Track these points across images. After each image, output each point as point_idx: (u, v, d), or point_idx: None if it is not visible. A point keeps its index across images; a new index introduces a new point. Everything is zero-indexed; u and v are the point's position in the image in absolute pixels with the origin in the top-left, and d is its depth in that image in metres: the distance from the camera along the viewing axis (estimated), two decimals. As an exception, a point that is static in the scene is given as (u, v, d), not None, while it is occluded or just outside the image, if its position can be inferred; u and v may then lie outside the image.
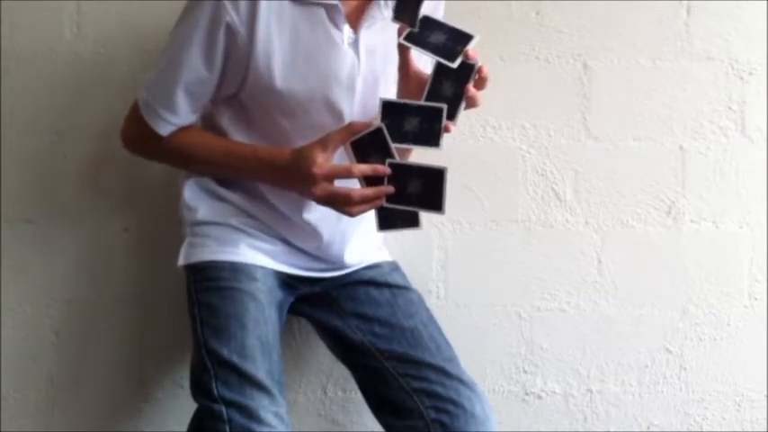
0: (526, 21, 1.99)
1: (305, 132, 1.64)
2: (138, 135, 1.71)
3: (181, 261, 1.72)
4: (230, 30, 1.59)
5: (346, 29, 1.63)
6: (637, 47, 1.99)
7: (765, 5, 1.99)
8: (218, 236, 1.70)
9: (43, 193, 1.99)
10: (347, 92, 1.63)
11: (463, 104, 1.54)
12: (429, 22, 1.54)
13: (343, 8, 1.62)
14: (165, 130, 1.67)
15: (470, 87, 1.53)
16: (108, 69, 1.98)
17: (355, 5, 1.64)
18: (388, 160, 1.55)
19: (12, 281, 1.99)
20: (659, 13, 1.99)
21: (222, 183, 1.72)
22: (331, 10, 1.61)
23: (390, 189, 1.55)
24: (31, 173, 1.98)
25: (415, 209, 1.58)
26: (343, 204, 1.57)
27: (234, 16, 1.59)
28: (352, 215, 1.59)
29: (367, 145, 1.55)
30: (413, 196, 1.56)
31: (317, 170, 1.56)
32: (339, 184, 1.59)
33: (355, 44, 1.64)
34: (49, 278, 1.99)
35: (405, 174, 1.55)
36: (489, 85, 1.93)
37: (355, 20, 1.64)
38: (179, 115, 1.66)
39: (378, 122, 1.54)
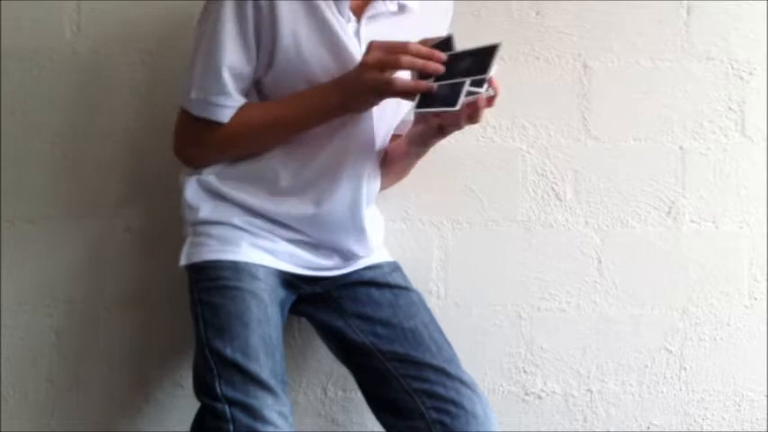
0: (526, 21, 2.00)
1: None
2: (195, 140, 1.71)
3: (182, 261, 1.72)
4: (257, 6, 1.62)
5: (351, 18, 1.67)
6: (637, 47, 1.99)
7: (765, 5, 1.99)
8: (220, 235, 1.70)
9: (43, 193, 1.98)
10: None
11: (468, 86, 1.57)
12: (452, 56, 1.58)
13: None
14: (224, 115, 1.67)
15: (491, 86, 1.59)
16: (108, 69, 1.98)
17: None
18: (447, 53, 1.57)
19: (12, 281, 1.99)
20: (659, 13, 1.99)
21: (224, 181, 1.72)
22: (338, 1, 1.65)
23: (440, 68, 1.56)
24: (31, 173, 1.98)
25: (463, 79, 1.57)
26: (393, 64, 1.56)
27: None
28: (394, 85, 1.57)
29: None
30: (461, 71, 1.57)
31: (366, 58, 1.58)
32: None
33: (357, 34, 1.67)
34: (49, 278, 1.99)
35: (457, 58, 1.57)
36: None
37: (359, 12, 1.68)
38: (231, 95, 1.66)
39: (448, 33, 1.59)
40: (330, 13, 1.65)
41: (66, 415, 2.00)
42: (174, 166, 1.82)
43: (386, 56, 1.56)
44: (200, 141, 1.71)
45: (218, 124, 1.67)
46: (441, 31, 1.71)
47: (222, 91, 1.66)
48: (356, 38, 1.67)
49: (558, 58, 2.00)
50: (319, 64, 1.65)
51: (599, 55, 2.00)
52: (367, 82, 1.57)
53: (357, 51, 1.66)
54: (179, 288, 1.75)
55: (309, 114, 1.67)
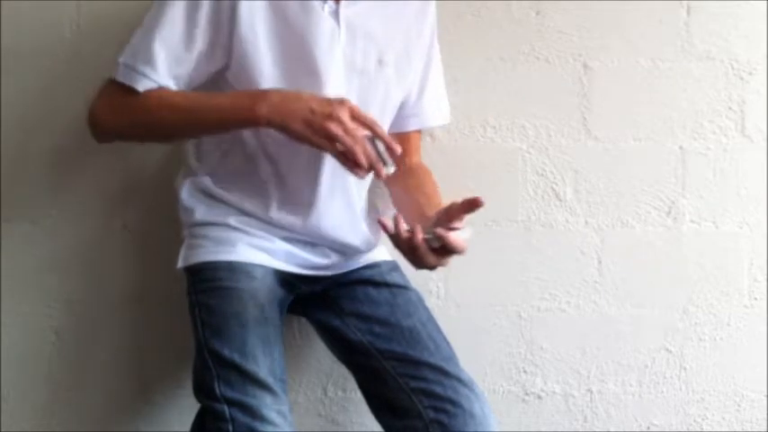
0: (526, 21, 1.99)
1: None
2: (110, 105, 1.65)
3: (180, 263, 1.72)
4: (218, 3, 1.60)
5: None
6: (637, 47, 1.99)
7: (765, 5, 1.99)
8: (216, 236, 1.70)
9: (43, 192, 1.99)
10: (326, 55, 1.64)
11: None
12: None
13: None
14: (142, 85, 1.62)
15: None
16: (108, 69, 1.96)
17: None
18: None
19: (12, 281, 1.99)
20: (659, 13, 1.99)
21: (218, 183, 1.72)
22: None
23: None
24: (31, 173, 1.99)
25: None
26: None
27: None
28: (356, 138, 1.51)
29: None
30: None
31: (345, 100, 1.53)
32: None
33: (335, 14, 1.65)
34: (49, 278, 1.99)
35: None
36: (489, 86, 1.96)
37: None
38: (157, 70, 1.62)
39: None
40: (297, 4, 1.63)
41: (66, 415, 2.00)
42: (174, 166, 1.82)
43: (362, 112, 1.52)
44: (114, 107, 1.65)
45: (134, 93, 1.61)
46: (419, 28, 1.74)
47: (149, 62, 1.61)
48: (334, 18, 1.65)
49: (558, 58, 2.00)
50: (281, 48, 1.63)
51: (599, 55, 1.99)
52: (333, 111, 1.51)
53: (334, 30, 1.64)
54: (179, 288, 1.75)
55: (228, 110, 1.59)
